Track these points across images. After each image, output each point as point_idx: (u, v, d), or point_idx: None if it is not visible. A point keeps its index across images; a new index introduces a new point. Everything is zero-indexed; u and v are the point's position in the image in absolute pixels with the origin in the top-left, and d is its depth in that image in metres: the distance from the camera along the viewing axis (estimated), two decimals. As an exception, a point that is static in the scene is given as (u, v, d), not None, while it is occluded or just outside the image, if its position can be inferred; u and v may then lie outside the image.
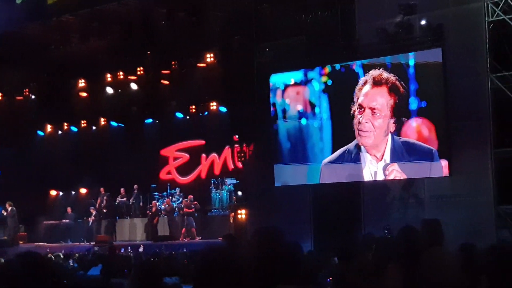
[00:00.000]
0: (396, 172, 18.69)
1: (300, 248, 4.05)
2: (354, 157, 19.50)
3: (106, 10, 23.98)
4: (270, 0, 21.58)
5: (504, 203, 17.39)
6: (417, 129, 18.56)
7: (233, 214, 22.75)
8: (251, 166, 22.88)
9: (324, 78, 20.25)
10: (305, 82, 20.53)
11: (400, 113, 18.71)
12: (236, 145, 24.84)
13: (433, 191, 18.48)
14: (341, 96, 19.82)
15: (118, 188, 26.52)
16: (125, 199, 26.44)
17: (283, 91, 20.89)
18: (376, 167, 19.08)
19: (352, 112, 19.38)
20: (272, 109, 21.05)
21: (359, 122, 19.10)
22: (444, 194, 18.19)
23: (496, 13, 17.58)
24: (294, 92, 20.74)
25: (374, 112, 18.99)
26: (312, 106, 20.39)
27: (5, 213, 26.13)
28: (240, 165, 24.69)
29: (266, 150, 21.52)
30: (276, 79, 21.01)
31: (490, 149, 17.52)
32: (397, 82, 18.73)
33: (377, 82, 19.03)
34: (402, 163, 18.69)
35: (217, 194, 24.91)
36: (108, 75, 26.38)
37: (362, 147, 19.29)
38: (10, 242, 25.06)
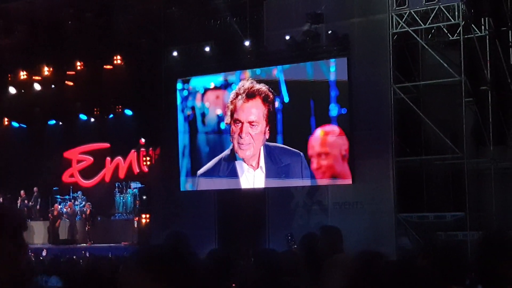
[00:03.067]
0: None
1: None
2: (230, 168, 19.90)
3: (12, 8, 23.29)
4: (179, 4, 21.52)
5: (404, 211, 17.91)
6: (322, 137, 19.01)
7: (137, 218, 22.54)
8: (157, 170, 22.72)
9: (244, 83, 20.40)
10: (225, 86, 20.62)
11: (272, 119, 19.43)
12: (142, 149, 24.60)
13: (336, 198, 18.87)
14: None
15: (18, 190, 25.78)
16: (26, 201, 25.74)
17: (203, 95, 20.90)
18: (253, 175, 19.51)
19: (226, 124, 19.86)
20: (191, 112, 21.03)
21: (240, 137, 19.49)
22: (347, 201, 18.61)
23: (400, 25, 18.12)
24: (213, 96, 20.79)
25: (253, 125, 19.47)
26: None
27: None
28: (145, 169, 24.45)
29: (172, 154, 21.44)
30: (196, 83, 21.02)
31: (391, 158, 18.02)
32: (268, 91, 19.41)
33: (250, 95, 19.56)
34: (276, 167, 19.25)
35: (121, 198, 24.59)
36: (11, 75, 25.59)
37: (237, 156, 19.70)
38: None
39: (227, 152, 20.07)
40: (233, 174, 19.87)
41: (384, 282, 2.89)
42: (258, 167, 19.50)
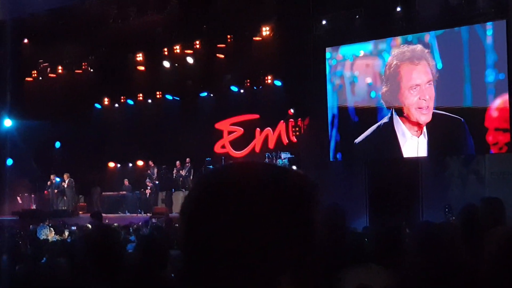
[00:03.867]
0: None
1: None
2: (391, 136, 19.38)
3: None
4: (328, -28, 21.31)
5: None
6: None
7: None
8: (306, 140, 22.81)
9: (395, 50, 20.02)
10: (375, 54, 20.31)
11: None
12: (291, 119, 24.77)
13: (494, 167, 18.13)
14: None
15: (173, 161, 26.78)
16: (181, 172, 26.72)
17: (352, 63, 20.70)
18: (417, 142, 18.93)
19: (391, 93, 19.35)
20: (340, 82, 20.90)
21: (423, 100, 18.90)
22: (506, 170, 17.80)
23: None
24: (363, 65, 20.52)
25: (430, 84, 18.89)
26: (382, 79, 20.19)
27: (64, 185, 26.74)
28: (294, 139, 24.63)
29: (321, 125, 21.42)
30: (345, 51, 20.84)
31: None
32: (427, 53, 18.70)
33: (417, 58, 18.97)
34: (437, 134, 18.62)
35: (272, 168, 24.86)
36: (165, 49, 26.48)
37: (399, 123, 19.17)
38: (70, 212, 25.65)
39: (385, 120, 19.64)
40: (395, 142, 19.44)
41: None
42: (421, 134, 18.96)
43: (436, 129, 18.75)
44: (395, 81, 19.48)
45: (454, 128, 18.45)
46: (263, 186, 1.32)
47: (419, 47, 19.18)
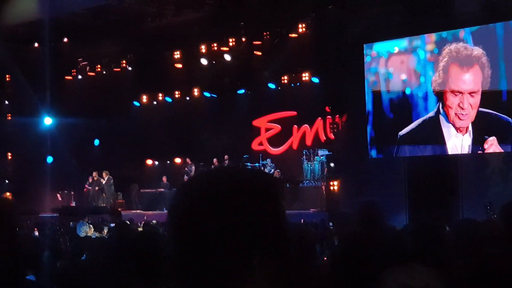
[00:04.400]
0: (495, 147, 18.21)
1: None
2: (436, 132, 19.17)
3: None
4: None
5: None
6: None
7: (325, 185, 22.67)
8: (344, 137, 22.70)
9: (430, 46, 19.84)
10: (410, 50, 20.16)
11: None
12: (328, 116, 24.68)
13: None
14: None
15: (210, 158, 26.87)
16: (218, 169, 26.80)
17: (387, 60, 20.58)
18: (461, 139, 18.69)
19: (439, 89, 19.10)
20: (374, 78, 20.79)
21: (461, 108, 18.69)
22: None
23: None
24: (398, 61, 20.39)
25: (473, 96, 18.62)
26: (417, 75, 20.02)
27: (103, 182, 27.02)
28: (332, 136, 24.53)
29: (358, 121, 21.31)
30: (379, 48, 20.74)
31: None
32: (482, 55, 18.36)
33: (467, 62, 18.65)
34: (483, 133, 18.35)
35: (309, 165, 24.84)
36: (202, 46, 26.57)
37: (445, 119, 18.93)
38: (109, 209, 25.89)
39: (431, 114, 19.41)
40: (439, 139, 19.23)
41: None
42: (466, 132, 18.72)
43: (481, 128, 18.49)
44: (443, 76, 19.22)
45: (500, 128, 18.19)
46: (239, 186, 1.67)
47: (477, 51, 18.83)
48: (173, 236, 1.68)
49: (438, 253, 4.98)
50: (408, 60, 20.16)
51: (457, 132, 18.83)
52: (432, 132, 19.34)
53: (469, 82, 18.75)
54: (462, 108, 18.71)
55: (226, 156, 26.65)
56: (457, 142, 18.84)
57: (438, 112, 19.23)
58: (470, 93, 18.67)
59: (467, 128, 18.72)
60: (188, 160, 27.29)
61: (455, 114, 18.88)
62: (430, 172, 19.04)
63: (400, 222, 14.59)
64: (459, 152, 18.91)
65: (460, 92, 18.80)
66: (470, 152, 18.82)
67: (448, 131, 19.02)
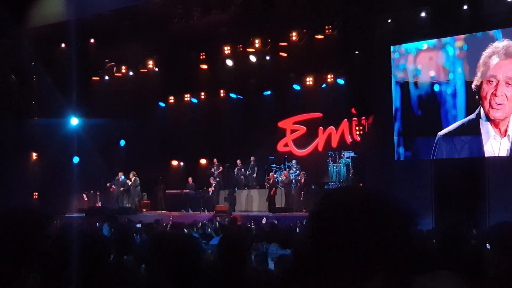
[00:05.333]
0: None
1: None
2: (475, 130, 18.95)
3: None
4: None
5: None
6: None
7: (350, 187, 22.50)
8: (369, 139, 22.58)
9: (459, 43, 19.66)
10: (439, 47, 20.01)
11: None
12: (354, 118, 24.58)
13: None
14: (477, 61, 19.14)
15: (235, 159, 26.90)
16: (242, 170, 26.82)
17: (415, 56, 20.44)
18: (499, 143, 18.45)
19: (476, 84, 18.84)
20: (402, 75, 20.66)
21: (494, 95, 18.44)
22: None
23: None
24: (426, 58, 20.24)
25: (509, 84, 18.33)
26: (446, 71, 19.85)
27: (129, 183, 27.12)
28: (358, 138, 24.43)
29: (385, 123, 21.16)
30: (408, 45, 20.60)
31: None
32: None
33: (510, 54, 18.41)
34: None
35: (334, 167, 24.76)
36: (228, 48, 26.59)
37: (484, 120, 18.68)
38: (134, 210, 26.02)
39: (471, 117, 19.18)
40: (477, 141, 19.04)
41: None
42: (505, 135, 18.48)
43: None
44: (483, 70, 18.94)
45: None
46: (367, 207, 1.73)
47: None
48: (312, 235, 1.77)
49: (467, 257, 4.89)
50: (437, 56, 20.01)
51: (495, 134, 18.54)
52: (470, 134, 19.10)
53: (506, 70, 18.45)
54: (495, 95, 18.43)
55: (252, 158, 26.71)
56: (495, 145, 18.58)
57: (478, 115, 18.99)
58: (506, 82, 18.36)
59: (506, 130, 18.40)
60: (215, 160, 27.30)
61: (490, 104, 18.58)
62: (457, 175, 18.84)
63: (426, 225, 14.45)
64: (496, 155, 18.65)
65: (496, 79, 18.49)
66: (508, 155, 18.52)
67: (486, 132, 18.74)
